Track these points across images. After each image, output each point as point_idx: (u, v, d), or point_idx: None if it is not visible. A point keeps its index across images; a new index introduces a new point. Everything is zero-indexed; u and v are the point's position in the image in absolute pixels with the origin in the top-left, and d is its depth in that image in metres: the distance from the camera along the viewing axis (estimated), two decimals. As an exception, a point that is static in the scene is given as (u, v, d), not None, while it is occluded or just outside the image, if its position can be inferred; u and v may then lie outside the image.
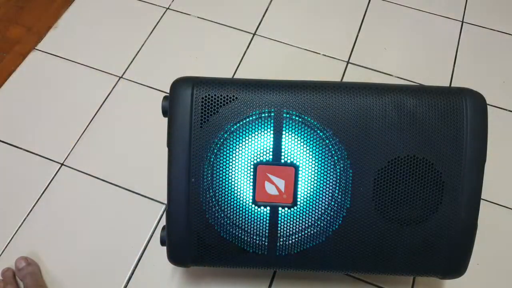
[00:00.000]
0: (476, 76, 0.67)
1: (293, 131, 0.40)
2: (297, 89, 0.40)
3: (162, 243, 0.43)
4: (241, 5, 0.73)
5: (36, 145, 0.59)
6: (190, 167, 0.40)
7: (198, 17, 0.71)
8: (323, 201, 0.40)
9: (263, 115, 0.40)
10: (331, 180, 0.40)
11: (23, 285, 0.50)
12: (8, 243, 0.53)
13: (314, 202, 0.40)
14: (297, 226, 0.40)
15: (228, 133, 0.40)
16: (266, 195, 0.40)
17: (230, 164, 0.40)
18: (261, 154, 0.40)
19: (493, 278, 0.51)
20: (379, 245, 0.41)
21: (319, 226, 0.40)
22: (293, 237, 0.41)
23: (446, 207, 0.40)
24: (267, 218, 0.40)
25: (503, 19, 0.72)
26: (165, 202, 0.46)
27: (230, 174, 0.40)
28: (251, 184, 0.40)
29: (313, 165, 0.40)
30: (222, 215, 0.41)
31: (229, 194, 0.40)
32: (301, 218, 0.40)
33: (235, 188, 0.40)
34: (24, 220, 0.55)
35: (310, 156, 0.40)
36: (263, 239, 0.41)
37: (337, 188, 0.40)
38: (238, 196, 0.40)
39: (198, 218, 0.40)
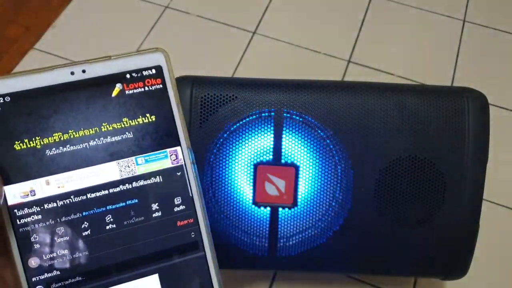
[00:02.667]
0: (478, 76, 0.66)
1: (294, 131, 0.40)
2: (297, 89, 0.40)
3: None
4: (241, 4, 0.73)
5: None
6: None
7: (197, 15, 0.71)
8: (324, 201, 0.40)
9: (263, 114, 0.40)
10: (332, 181, 0.40)
11: None
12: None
13: (315, 202, 0.40)
14: (298, 227, 0.40)
15: (227, 133, 0.40)
16: (266, 196, 0.40)
17: (230, 164, 0.40)
18: (261, 154, 0.40)
19: (494, 279, 0.51)
20: (381, 246, 0.40)
21: (320, 227, 0.40)
22: (294, 238, 0.40)
23: (448, 207, 0.40)
24: (267, 219, 0.40)
25: (505, 18, 0.72)
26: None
27: (229, 175, 0.40)
28: (251, 184, 0.40)
29: (314, 166, 0.40)
30: (222, 216, 0.40)
31: (229, 195, 0.40)
32: (301, 219, 0.40)
33: (235, 188, 0.40)
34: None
35: (311, 156, 0.40)
36: (263, 240, 0.40)
37: (338, 188, 0.40)
38: (238, 197, 0.40)
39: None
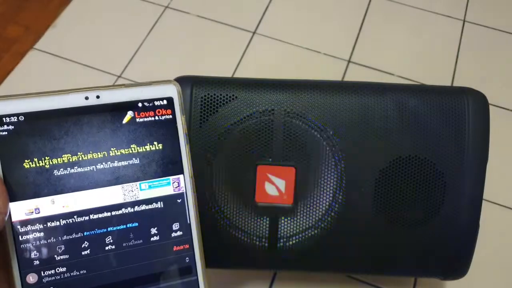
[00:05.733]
0: (478, 76, 0.66)
1: (294, 131, 0.40)
2: (297, 89, 0.40)
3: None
4: (241, 4, 0.73)
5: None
6: None
7: (197, 15, 0.71)
8: (324, 202, 0.40)
9: (263, 114, 0.40)
10: (332, 181, 0.40)
11: None
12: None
13: (315, 202, 0.40)
14: (298, 227, 0.40)
15: (227, 133, 0.40)
16: (266, 196, 0.40)
17: (230, 164, 0.40)
18: (261, 154, 0.40)
19: (494, 279, 0.51)
20: (381, 246, 0.40)
21: (320, 227, 0.40)
22: (294, 238, 0.40)
23: (448, 207, 0.40)
24: (267, 219, 0.40)
25: (505, 18, 0.72)
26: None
27: (229, 175, 0.40)
28: (251, 184, 0.40)
29: (314, 166, 0.40)
30: (222, 216, 0.40)
31: (229, 195, 0.40)
32: (301, 219, 0.40)
33: (235, 188, 0.40)
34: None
35: (311, 156, 0.40)
36: (263, 240, 0.40)
37: (338, 188, 0.40)
38: (238, 197, 0.40)
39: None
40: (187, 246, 0.32)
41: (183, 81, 0.40)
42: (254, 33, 0.70)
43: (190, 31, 0.70)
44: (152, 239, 0.31)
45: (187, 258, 0.32)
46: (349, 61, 0.67)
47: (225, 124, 0.40)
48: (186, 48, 0.68)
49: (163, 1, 0.72)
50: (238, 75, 0.65)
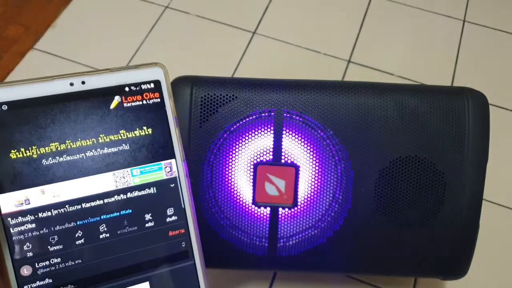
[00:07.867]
0: (478, 76, 0.66)
1: (294, 131, 0.40)
2: (297, 89, 0.40)
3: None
4: (241, 4, 0.73)
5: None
6: (189, 168, 0.40)
7: (197, 15, 0.71)
8: (324, 202, 0.40)
9: (263, 114, 0.40)
10: (332, 181, 0.40)
11: None
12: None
13: (315, 202, 0.40)
14: (298, 227, 0.40)
15: (227, 133, 0.40)
16: (266, 196, 0.40)
17: (230, 164, 0.40)
18: (261, 154, 0.40)
19: (494, 279, 0.51)
20: (381, 246, 0.40)
21: (320, 227, 0.40)
22: (294, 238, 0.40)
23: (448, 207, 0.40)
24: (267, 219, 0.40)
25: (505, 18, 0.72)
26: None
27: (229, 175, 0.40)
28: (251, 184, 0.40)
29: (314, 166, 0.40)
30: (222, 216, 0.40)
31: (229, 195, 0.40)
32: (301, 219, 0.40)
33: (235, 188, 0.40)
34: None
35: (311, 157, 0.40)
36: (263, 240, 0.40)
37: (338, 188, 0.40)
38: (238, 197, 0.40)
39: (197, 219, 0.40)
40: (182, 230, 0.32)
41: (183, 81, 0.40)
42: (254, 33, 0.70)
43: (190, 31, 0.70)
44: (146, 225, 0.31)
45: (183, 242, 0.32)
46: (349, 61, 0.67)
47: (225, 124, 0.40)
48: (186, 48, 0.68)
49: (163, 1, 0.72)
50: (238, 75, 0.65)
